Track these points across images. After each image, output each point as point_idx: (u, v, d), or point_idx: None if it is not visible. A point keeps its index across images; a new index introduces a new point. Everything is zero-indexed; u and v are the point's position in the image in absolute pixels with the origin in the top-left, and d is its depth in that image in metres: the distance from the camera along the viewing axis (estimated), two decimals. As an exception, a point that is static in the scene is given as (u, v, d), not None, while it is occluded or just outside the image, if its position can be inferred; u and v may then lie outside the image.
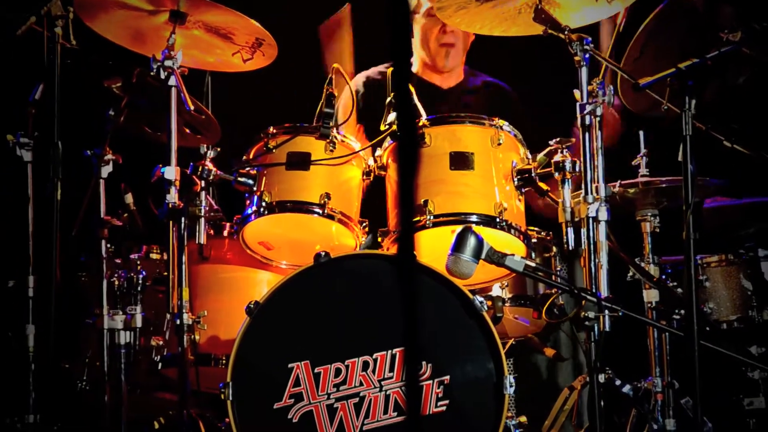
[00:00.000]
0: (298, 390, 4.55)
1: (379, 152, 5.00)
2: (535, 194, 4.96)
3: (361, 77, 6.04)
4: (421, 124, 4.87)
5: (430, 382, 4.53)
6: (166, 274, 4.79)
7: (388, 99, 5.06)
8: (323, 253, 4.63)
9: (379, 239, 4.91)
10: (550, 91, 5.55)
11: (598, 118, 4.60)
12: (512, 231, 4.79)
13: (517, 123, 4.98)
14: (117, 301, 5.00)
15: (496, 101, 5.98)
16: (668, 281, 5.24)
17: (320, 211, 4.85)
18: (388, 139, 4.95)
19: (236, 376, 4.55)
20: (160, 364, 5.13)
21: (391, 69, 5.20)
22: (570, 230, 4.63)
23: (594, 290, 4.50)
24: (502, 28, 5.05)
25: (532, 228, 5.01)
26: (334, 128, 4.91)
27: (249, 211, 4.92)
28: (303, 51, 6.00)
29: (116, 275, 5.02)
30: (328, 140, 4.90)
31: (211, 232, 5.07)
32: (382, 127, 5.00)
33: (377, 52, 5.93)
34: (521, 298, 5.23)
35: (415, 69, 6.08)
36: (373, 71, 6.08)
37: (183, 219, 4.74)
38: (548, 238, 5.19)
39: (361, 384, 4.55)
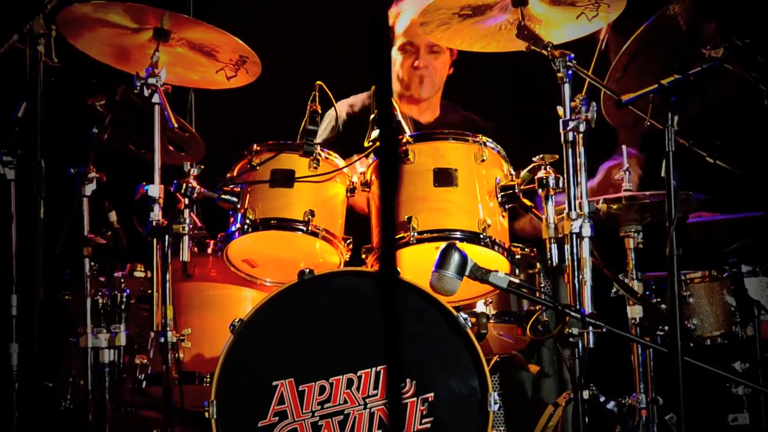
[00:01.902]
0: (283, 408, 4.54)
1: (362, 169, 5.00)
2: (517, 214, 4.97)
3: (345, 105, 6.04)
4: (404, 140, 4.87)
5: (414, 399, 4.52)
6: (150, 292, 4.78)
7: (372, 116, 5.07)
8: (307, 271, 4.62)
9: (363, 256, 4.91)
10: (532, 115, 5.57)
11: (581, 134, 4.61)
12: (496, 247, 4.79)
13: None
14: (101, 319, 4.99)
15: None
16: (652, 297, 5.25)
17: (304, 229, 4.84)
18: (372, 155, 4.96)
19: (220, 394, 4.54)
20: (144, 383, 5.11)
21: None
22: (554, 246, 4.63)
23: (578, 306, 4.50)
24: (482, 44, 5.07)
25: (516, 244, 5.01)
26: (318, 146, 4.91)
27: (233, 228, 4.92)
28: (287, 68, 6.01)
29: (100, 293, 5.01)
30: (311, 157, 4.90)
31: (195, 249, 5.07)
32: (366, 144, 5.01)
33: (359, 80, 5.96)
34: (505, 314, 5.22)
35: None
36: (356, 99, 6.08)
37: (167, 237, 4.74)
38: (532, 254, 5.19)
39: (345, 402, 4.55)
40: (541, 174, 4.76)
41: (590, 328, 4.46)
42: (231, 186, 4.95)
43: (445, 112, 6.15)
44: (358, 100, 6.07)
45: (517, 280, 4.53)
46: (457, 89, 6.19)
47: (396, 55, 5.97)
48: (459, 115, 6.16)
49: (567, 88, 4.63)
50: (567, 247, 4.56)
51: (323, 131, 5.70)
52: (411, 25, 5.89)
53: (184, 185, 4.84)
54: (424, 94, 6.00)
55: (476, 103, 6.31)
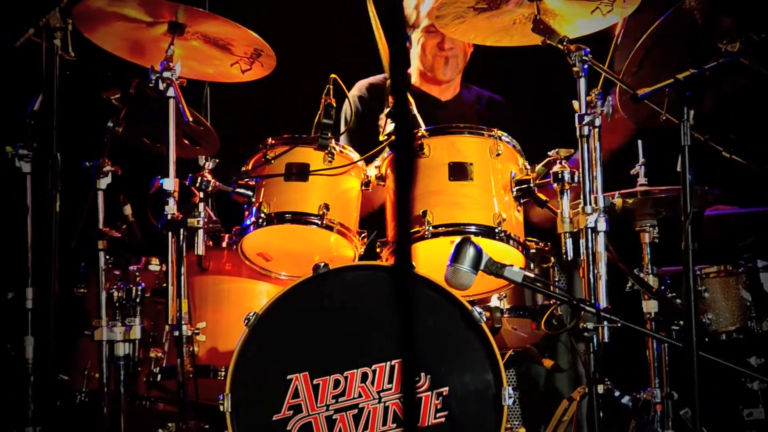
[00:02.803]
0: (297, 402, 4.55)
1: (378, 162, 5.00)
2: (532, 205, 4.97)
3: (365, 83, 6.05)
4: (419, 134, 4.87)
5: (429, 393, 4.53)
6: (165, 285, 4.79)
7: (387, 109, 5.06)
8: (322, 264, 4.63)
9: (378, 250, 4.91)
10: (549, 103, 5.55)
11: (596, 129, 4.60)
12: (511, 242, 4.79)
13: (512, 134, 4.99)
14: (116, 312, 4.99)
15: (491, 115, 5.98)
16: (667, 292, 5.23)
17: (319, 222, 4.84)
18: (387, 149, 4.95)
19: (235, 388, 4.54)
20: (159, 376, 5.12)
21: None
22: (569, 241, 4.62)
23: (593, 301, 4.49)
24: (495, 38, 5.05)
25: (530, 239, 5.01)
26: (333, 139, 4.91)
27: (248, 222, 4.92)
28: (301, 61, 6.01)
29: (115, 287, 5.01)
30: (326, 151, 4.90)
31: (210, 243, 5.07)
32: (381, 138, 5.00)
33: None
34: (520, 309, 5.22)
35: (413, 81, 6.09)
36: (376, 78, 6.09)
37: (182, 230, 4.75)
38: (547, 248, 5.19)
39: (359, 395, 4.55)
40: (556, 168, 4.75)
41: (605, 322, 4.46)
42: (246, 179, 4.95)
43: (462, 90, 6.15)
44: (376, 78, 6.06)
45: (531, 275, 4.53)
46: (476, 69, 6.17)
47: (420, 36, 5.97)
48: (474, 93, 6.15)
49: (582, 82, 4.63)
50: (582, 241, 4.56)
51: (343, 124, 5.68)
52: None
53: (199, 179, 4.84)
54: (448, 74, 6.01)
55: (495, 81, 6.30)
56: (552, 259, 5.23)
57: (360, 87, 6.03)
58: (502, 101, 6.16)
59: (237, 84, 5.27)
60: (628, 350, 5.12)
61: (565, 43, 4.68)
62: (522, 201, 4.90)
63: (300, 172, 4.90)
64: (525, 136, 5.07)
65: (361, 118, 5.82)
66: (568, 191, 4.72)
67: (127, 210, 5.26)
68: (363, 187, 5.01)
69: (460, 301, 4.58)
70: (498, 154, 4.87)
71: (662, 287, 5.25)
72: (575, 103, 4.62)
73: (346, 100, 5.25)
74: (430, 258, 4.81)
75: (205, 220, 4.81)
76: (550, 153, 4.80)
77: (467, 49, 6.06)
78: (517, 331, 5.27)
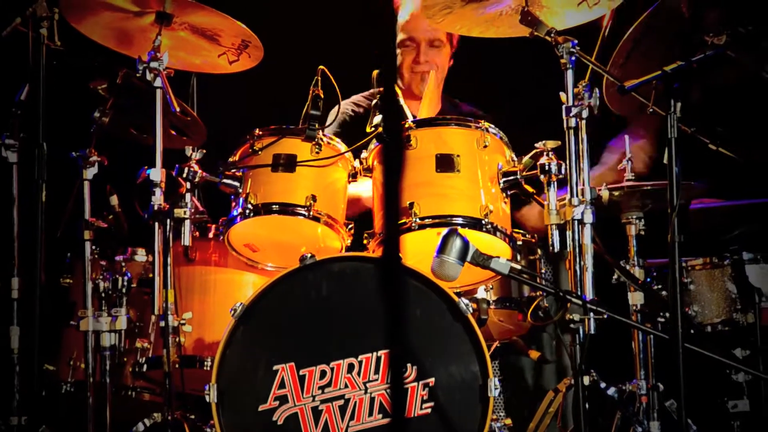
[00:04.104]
0: (283, 392, 4.55)
1: (365, 154, 5.00)
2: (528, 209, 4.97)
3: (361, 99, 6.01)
4: (407, 126, 4.86)
5: (415, 384, 4.53)
6: (151, 276, 4.78)
7: (374, 101, 5.06)
8: (309, 255, 4.63)
9: (365, 241, 4.91)
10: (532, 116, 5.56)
11: (583, 121, 4.60)
12: (498, 233, 4.79)
13: None
14: (102, 302, 4.99)
15: None
16: (653, 284, 5.25)
17: (306, 213, 4.84)
18: (374, 141, 4.95)
19: (221, 378, 4.54)
20: (145, 366, 5.13)
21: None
22: (555, 232, 4.63)
23: (579, 293, 4.50)
24: (481, 29, 5.04)
25: (517, 230, 5.01)
26: (320, 130, 4.91)
27: (234, 213, 4.91)
28: (289, 53, 6.00)
29: (101, 277, 5.01)
30: (313, 142, 4.90)
31: (197, 234, 5.07)
32: (368, 129, 5.00)
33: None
34: (506, 300, 5.23)
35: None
36: (357, 98, 6.05)
37: (168, 221, 4.74)
38: (533, 240, 5.19)
39: (346, 386, 4.55)
40: (543, 160, 4.75)
41: (591, 314, 4.46)
42: (233, 170, 4.94)
43: (446, 105, 6.10)
44: (362, 100, 6.02)
45: (518, 266, 4.53)
46: (457, 81, 6.15)
47: (396, 51, 5.92)
48: (460, 108, 6.11)
49: (570, 74, 4.62)
50: (569, 233, 4.56)
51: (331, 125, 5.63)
52: (411, 19, 5.86)
53: (186, 169, 4.84)
54: (427, 90, 5.92)
55: (476, 93, 6.28)
56: (538, 250, 5.24)
57: (355, 100, 5.98)
58: (483, 115, 6.10)
59: (224, 75, 5.26)
60: (613, 342, 5.12)
61: (552, 35, 4.68)
62: (509, 193, 4.90)
63: (287, 163, 4.90)
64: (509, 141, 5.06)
65: (343, 127, 5.79)
66: (555, 183, 4.71)
67: (114, 200, 5.25)
68: (350, 179, 5.01)
69: (446, 292, 4.58)
70: (485, 146, 4.87)
71: (648, 279, 5.26)
72: (563, 95, 4.62)
73: (338, 105, 5.20)
74: (417, 249, 4.81)
75: (192, 210, 4.81)
76: (537, 145, 4.80)
77: (445, 64, 6.00)
78: (503, 322, 5.28)
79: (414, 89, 5.97)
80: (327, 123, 5.17)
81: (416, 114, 5.94)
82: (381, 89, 5.32)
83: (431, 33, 5.87)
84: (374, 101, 5.06)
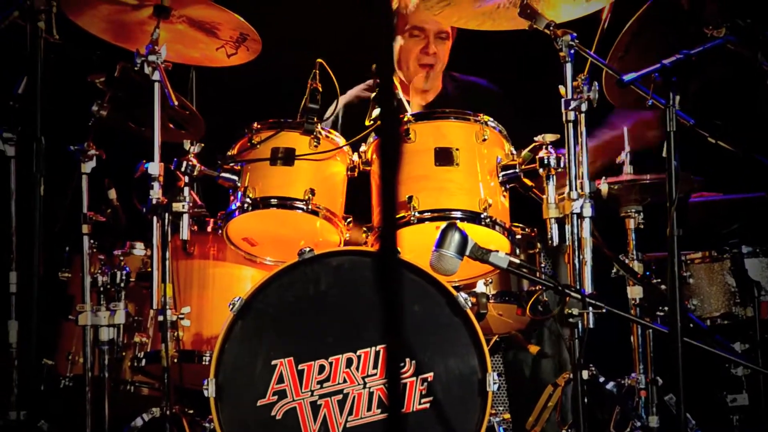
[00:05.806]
0: (282, 387, 4.54)
1: (363, 147, 4.99)
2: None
3: (358, 92, 5.96)
4: (405, 119, 4.85)
5: (414, 379, 4.52)
6: (149, 270, 4.78)
7: (373, 94, 5.05)
8: (307, 249, 4.62)
9: (364, 235, 4.90)
10: (537, 89, 5.53)
11: (583, 114, 4.59)
12: (497, 227, 4.78)
13: (502, 121, 4.97)
14: (100, 297, 4.98)
15: (476, 101, 5.85)
16: (652, 278, 5.24)
17: (304, 207, 4.83)
18: (373, 134, 4.94)
19: (219, 373, 4.54)
20: (143, 361, 5.12)
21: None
22: (554, 226, 4.62)
23: (578, 287, 4.49)
24: (478, 22, 5.02)
25: (516, 224, 5.00)
26: (318, 123, 4.90)
27: (233, 206, 4.91)
28: (287, 46, 5.99)
29: (99, 271, 5.00)
30: (312, 135, 4.89)
31: (195, 227, 5.06)
32: (367, 122, 4.99)
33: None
34: (505, 294, 5.21)
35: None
36: (357, 90, 6.00)
37: (167, 215, 4.73)
38: (533, 234, 5.18)
39: (344, 381, 4.54)
40: (542, 154, 4.74)
41: (590, 308, 4.46)
42: (231, 164, 4.94)
43: (446, 85, 6.03)
44: (359, 93, 5.97)
45: (517, 260, 4.52)
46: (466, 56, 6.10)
47: (403, 40, 5.86)
48: (460, 82, 6.04)
49: (569, 67, 4.62)
50: (568, 227, 4.56)
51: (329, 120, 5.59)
52: (417, 10, 5.80)
53: (185, 163, 4.83)
54: (429, 86, 5.87)
55: (486, 68, 6.25)
56: (538, 244, 5.23)
57: (351, 94, 5.93)
58: (493, 88, 6.06)
59: (223, 68, 5.25)
60: (613, 336, 5.12)
61: (551, 28, 4.68)
62: (508, 186, 4.90)
63: (286, 157, 4.89)
64: (522, 120, 5.04)
65: (339, 122, 5.76)
66: (554, 176, 4.71)
67: (112, 194, 5.25)
68: (348, 172, 5.00)
69: (445, 286, 4.57)
70: (484, 140, 4.86)
71: (647, 273, 5.25)
72: (562, 89, 4.61)
73: (336, 101, 5.17)
74: (416, 243, 4.80)
75: (190, 204, 4.80)
76: (536, 138, 4.79)
77: (447, 56, 5.89)
78: (502, 316, 5.27)
79: (417, 84, 5.86)
80: (326, 116, 5.16)
81: (421, 103, 5.91)
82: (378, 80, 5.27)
83: (439, 24, 5.81)
84: (372, 94, 5.05)
